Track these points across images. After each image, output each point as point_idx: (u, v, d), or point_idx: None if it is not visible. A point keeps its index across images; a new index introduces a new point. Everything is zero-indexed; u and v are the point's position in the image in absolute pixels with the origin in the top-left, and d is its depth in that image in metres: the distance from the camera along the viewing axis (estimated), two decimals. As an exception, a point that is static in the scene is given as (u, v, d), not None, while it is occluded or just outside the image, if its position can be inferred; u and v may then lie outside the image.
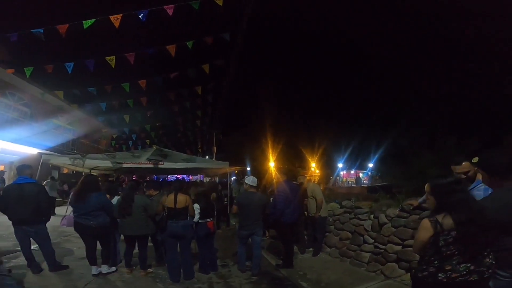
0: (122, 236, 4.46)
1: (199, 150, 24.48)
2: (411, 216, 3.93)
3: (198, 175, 16.92)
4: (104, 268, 4.10)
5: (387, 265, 4.01)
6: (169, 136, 18.37)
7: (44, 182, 9.10)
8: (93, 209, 3.94)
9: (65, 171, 15.23)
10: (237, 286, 4.05)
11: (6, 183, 10.11)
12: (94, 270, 4.04)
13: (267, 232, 6.47)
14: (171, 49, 6.10)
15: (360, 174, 30.45)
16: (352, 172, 31.61)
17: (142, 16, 4.75)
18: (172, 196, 4.11)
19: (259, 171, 18.35)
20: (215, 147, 20.30)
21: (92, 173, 8.34)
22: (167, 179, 15.95)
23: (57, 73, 6.24)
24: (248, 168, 22.09)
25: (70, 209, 4.83)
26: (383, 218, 4.26)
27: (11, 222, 3.93)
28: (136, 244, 4.23)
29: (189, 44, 6.19)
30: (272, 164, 19.97)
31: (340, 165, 28.77)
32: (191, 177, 17.74)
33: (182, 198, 4.12)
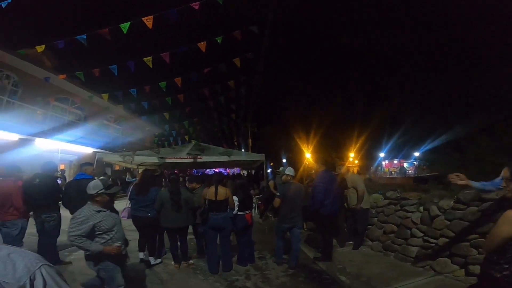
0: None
1: (235, 143, 24.91)
2: (468, 208, 3.55)
3: (235, 168, 17.27)
4: (151, 260, 4.37)
5: (438, 260, 3.74)
6: (206, 131, 18.96)
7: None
8: (152, 202, 4.27)
9: (117, 167, 16.57)
10: (274, 279, 4.04)
11: (67, 180, 11.35)
12: (141, 254, 4.39)
13: (304, 224, 6.35)
14: (202, 46, 6.16)
15: (405, 164, 28.44)
16: (396, 161, 29.71)
17: (171, 16, 4.84)
18: (213, 189, 4.21)
19: (295, 162, 18.11)
20: (250, 140, 20.51)
21: (147, 169, 8.90)
22: (206, 172, 16.53)
23: (101, 76, 6.69)
24: (284, 160, 21.97)
25: (129, 202, 5.24)
26: (435, 210, 3.91)
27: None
28: (177, 236, 4.41)
29: (219, 39, 6.21)
30: (308, 155, 19.56)
31: (381, 154, 27.19)
32: (228, 171, 18.19)
33: (222, 191, 4.21)
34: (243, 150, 20.43)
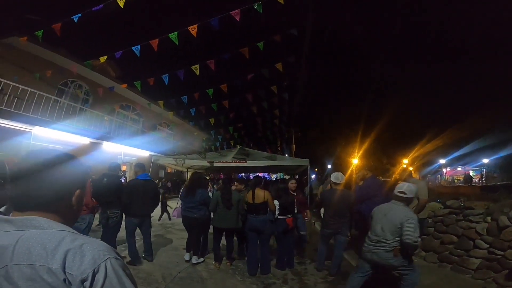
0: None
1: (279, 148, 24.92)
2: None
3: (278, 173, 17.25)
4: (194, 259, 4.59)
5: (502, 273, 3.41)
6: (250, 136, 19.36)
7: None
8: (198, 204, 4.50)
9: (169, 170, 17.84)
10: (312, 285, 3.93)
11: (127, 180, 12.54)
12: (187, 256, 4.64)
13: (348, 232, 6.04)
14: (245, 52, 6.35)
15: (471, 172, 25.19)
16: (459, 169, 26.55)
17: (214, 24, 5.11)
18: (250, 192, 4.30)
19: (342, 168, 17.35)
20: (294, 145, 20.33)
21: (197, 171, 9.45)
22: (250, 177, 16.80)
23: (155, 85, 7.35)
24: (329, 166, 21.25)
25: (180, 202, 5.65)
26: (504, 220, 3.49)
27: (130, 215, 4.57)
28: (224, 236, 4.56)
29: (260, 45, 6.33)
30: (355, 161, 18.60)
31: (441, 161, 24.53)
32: (271, 175, 18.25)
33: (260, 194, 4.25)
34: (286, 155, 20.34)
